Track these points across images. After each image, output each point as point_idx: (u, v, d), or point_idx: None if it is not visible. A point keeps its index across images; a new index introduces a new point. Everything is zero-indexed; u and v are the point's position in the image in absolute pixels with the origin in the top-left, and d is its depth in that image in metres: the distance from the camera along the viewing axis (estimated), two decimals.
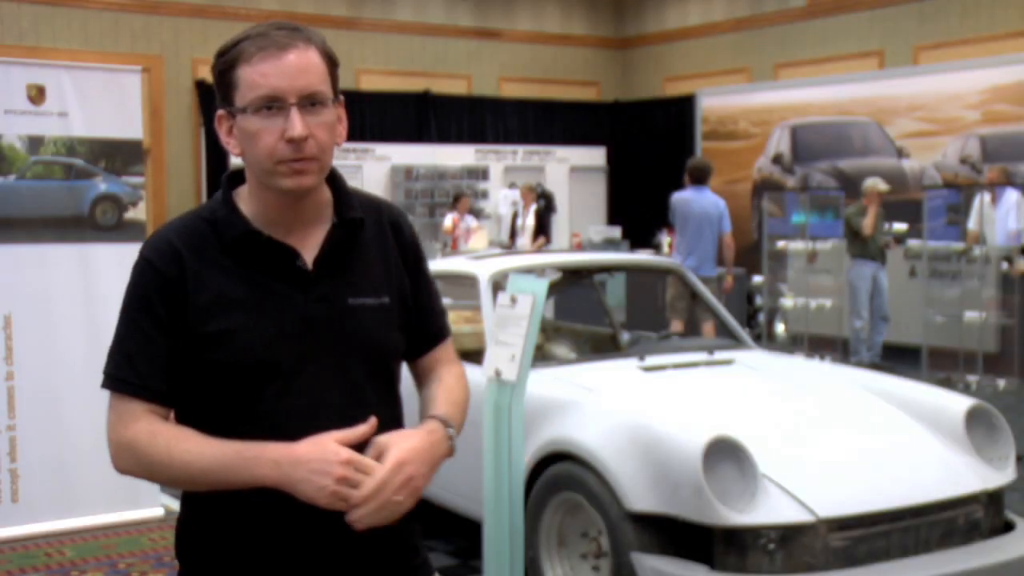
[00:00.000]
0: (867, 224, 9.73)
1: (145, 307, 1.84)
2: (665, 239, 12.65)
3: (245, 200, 1.90)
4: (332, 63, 1.85)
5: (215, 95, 1.87)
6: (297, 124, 1.77)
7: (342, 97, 1.88)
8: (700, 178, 9.30)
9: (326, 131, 1.82)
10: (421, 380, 2.07)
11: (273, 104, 1.78)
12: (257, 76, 1.78)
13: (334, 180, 1.94)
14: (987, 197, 9.62)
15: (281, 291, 1.84)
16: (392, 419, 1.92)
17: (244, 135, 1.82)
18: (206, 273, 1.83)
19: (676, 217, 9.24)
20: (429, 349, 2.05)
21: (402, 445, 1.77)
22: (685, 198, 9.25)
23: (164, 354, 1.82)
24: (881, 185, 9.90)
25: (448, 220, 13.59)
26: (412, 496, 1.77)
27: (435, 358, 2.05)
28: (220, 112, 1.86)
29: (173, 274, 1.83)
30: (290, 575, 1.86)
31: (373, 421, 1.78)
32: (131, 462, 1.82)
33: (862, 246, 9.84)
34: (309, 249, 1.87)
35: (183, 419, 1.86)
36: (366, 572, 1.91)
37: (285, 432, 1.77)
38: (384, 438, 1.78)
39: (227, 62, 1.82)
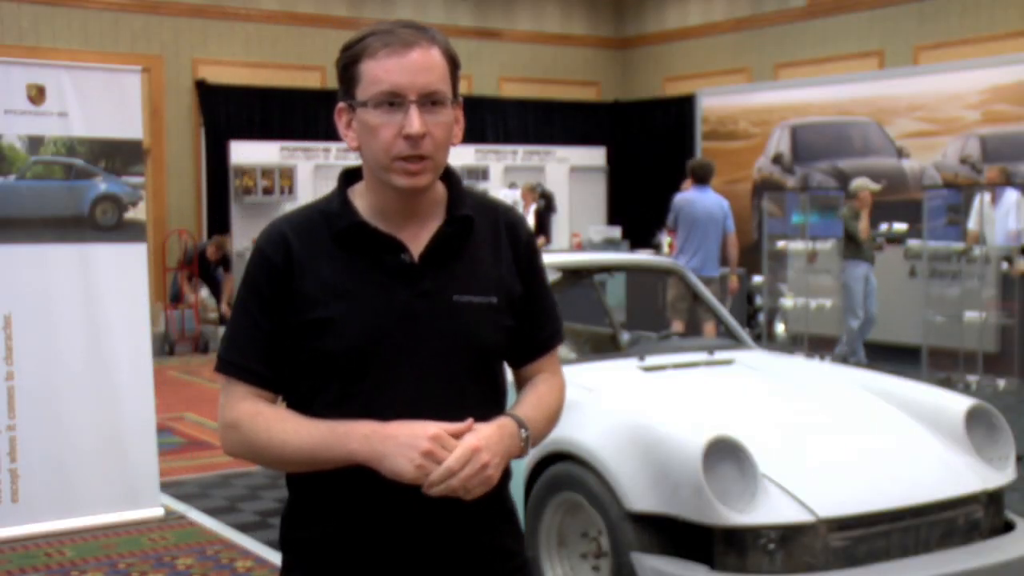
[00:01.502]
0: (863, 228, 9.75)
1: (254, 293, 1.89)
2: (665, 239, 12.63)
3: (360, 195, 1.93)
4: (454, 64, 1.89)
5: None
6: (415, 121, 1.80)
7: (461, 98, 1.91)
8: (703, 178, 9.30)
9: (443, 130, 1.85)
10: (521, 388, 2.07)
11: (394, 100, 1.81)
12: (380, 72, 1.82)
13: (450, 178, 1.96)
14: (987, 197, 9.62)
15: (385, 283, 1.87)
16: (494, 417, 1.91)
17: (363, 129, 1.85)
18: (313, 262, 1.87)
19: (680, 218, 9.21)
20: (535, 357, 2.04)
21: (476, 433, 1.80)
22: (689, 199, 9.24)
23: (269, 339, 1.87)
24: (871, 185, 9.91)
25: None
26: (484, 484, 1.79)
27: (538, 367, 2.05)
28: (340, 105, 1.90)
29: (281, 262, 1.87)
30: (384, 566, 1.88)
31: (470, 422, 1.80)
32: (235, 442, 1.88)
33: (856, 248, 9.88)
34: (419, 245, 1.89)
35: (292, 407, 1.91)
36: (458, 570, 1.91)
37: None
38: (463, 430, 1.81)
39: (351, 56, 1.86)
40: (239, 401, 1.87)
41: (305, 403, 1.88)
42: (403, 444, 1.74)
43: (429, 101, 1.82)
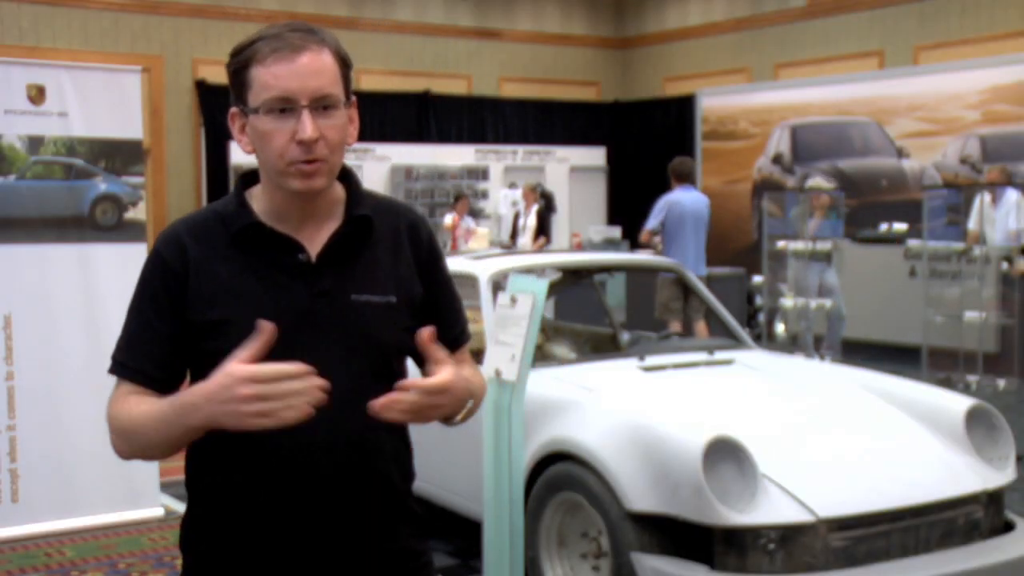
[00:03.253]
0: (810, 228, 9.74)
1: (149, 295, 1.88)
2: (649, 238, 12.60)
3: (257, 197, 1.93)
4: (345, 65, 1.87)
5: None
6: (308, 126, 1.79)
7: (354, 98, 1.90)
8: (686, 176, 9.35)
9: (337, 132, 1.84)
10: None
11: (285, 106, 1.80)
12: (270, 77, 1.80)
13: (348, 179, 1.96)
14: (987, 197, 9.62)
15: (283, 283, 1.86)
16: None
17: (256, 135, 1.84)
18: (209, 263, 1.86)
19: (669, 219, 9.20)
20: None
21: (454, 373, 1.80)
22: (678, 199, 9.24)
23: (163, 340, 1.86)
24: (824, 185, 9.94)
25: (448, 219, 13.59)
26: (425, 419, 1.80)
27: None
28: (233, 110, 1.89)
29: (177, 263, 1.86)
30: (286, 570, 1.87)
31: (271, 326, 1.71)
32: (114, 436, 1.86)
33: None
34: (317, 245, 1.89)
35: None
36: (366, 572, 1.92)
37: (284, 425, 1.76)
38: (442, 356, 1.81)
39: (241, 61, 1.84)
40: (120, 398, 1.85)
41: None
42: (223, 400, 1.66)
43: (321, 105, 1.81)
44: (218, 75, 14.32)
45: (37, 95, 5.34)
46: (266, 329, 1.69)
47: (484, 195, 16.16)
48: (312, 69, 1.80)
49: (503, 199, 15.61)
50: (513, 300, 3.86)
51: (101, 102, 5.49)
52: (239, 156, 13.47)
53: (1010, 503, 4.42)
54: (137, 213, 5.63)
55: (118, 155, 5.57)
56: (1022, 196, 9.77)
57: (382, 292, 1.91)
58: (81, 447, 5.38)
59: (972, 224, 9.46)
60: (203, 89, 14.22)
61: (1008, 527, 4.15)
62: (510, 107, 17.22)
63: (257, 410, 1.65)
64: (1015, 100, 11.07)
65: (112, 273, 5.48)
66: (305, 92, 1.79)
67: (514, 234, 13.98)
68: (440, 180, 15.90)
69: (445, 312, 2.04)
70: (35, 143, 5.36)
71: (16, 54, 10.81)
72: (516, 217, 14.09)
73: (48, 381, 5.36)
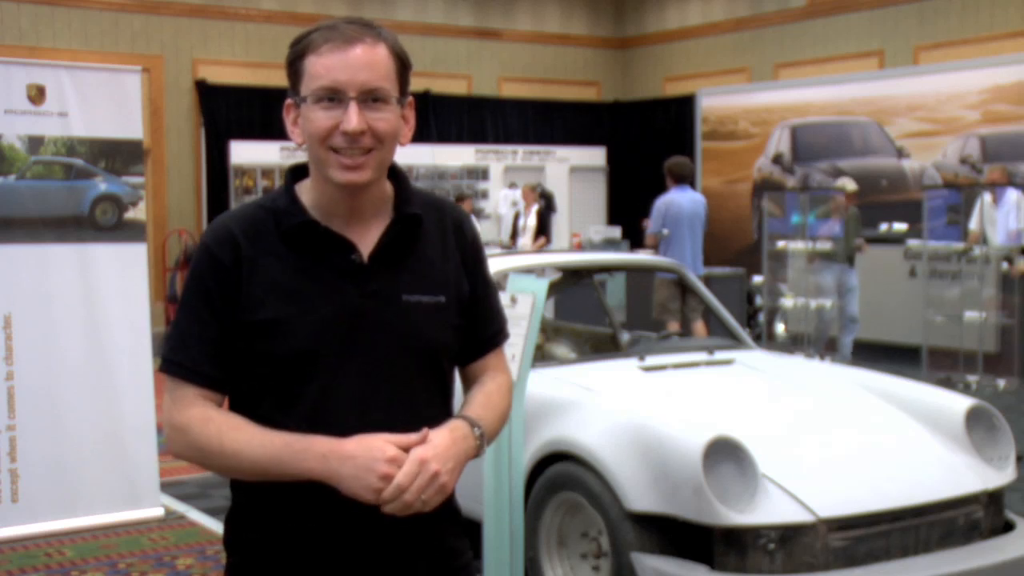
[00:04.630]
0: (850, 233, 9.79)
1: (201, 292, 1.85)
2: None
3: (307, 192, 1.90)
4: (403, 63, 1.86)
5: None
6: (353, 118, 1.78)
7: (411, 98, 1.88)
8: (684, 177, 9.35)
9: (386, 126, 1.82)
10: (467, 386, 2.05)
11: (333, 96, 1.80)
12: (321, 67, 1.80)
13: (397, 176, 1.94)
14: (988, 197, 9.62)
15: (334, 283, 1.84)
16: (443, 417, 1.90)
17: (304, 124, 1.84)
18: (261, 261, 1.84)
19: (667, 219, 9.19)
20: (480, 355, 2.03)
21: (425, 445, 1.76)
22: (675, 199, 9.24)
23: (218, 339, 1.83)
24: (849, 186, 9.94)
25: None
26: (440, 493, 1.76)
27: (484, 365, 2.03)
28: (288, 101, 1.88)
29: (228, 260, 1.83)
30: (333, 569, 1.86)
31: (425, 432, 1.76)
32: (184, 446, 1.83)
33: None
34: (367, 243, 1.87)
35: (235, 407, 1.87)
36: (407, 571, 1.91)
37: (330, 425, 1.77)
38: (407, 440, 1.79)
39: (296, 52, 1.85)
40: (188, 405, 1.82)
41: (251, 404, 1.85)
42: (361, 467, 1.71)
43: (370, 98, 1.80)
44: (218, 75, 14.32)
45: (37, 95, 5.34)
46: (422, 434, 1.75)
47: (484, 195, 16.16)
48: (364, 62, 1.80)
49: (503, 199, 15.61)
50: (513, 300, 3.86)
51: (101, 102, 5.49)
52: (239, 156, 13.48)
53: (1010, 503, 4.43)
54: (137, 213, 5.63)
55: (118, 155, 5.57)
56: (1022, 196, 9.78)
57: (432, 292, 1.90)
58: (81, 447, 5.38)
59: (973, 224, 9.46)
60: (203, 89, 14.21)
61: (1008, 527, 4.15)
62: (510, 107, 17.22)
63: (380, 490, 1.71)
64: (1015, 100, 11.06)
65: (112, 273, 5.49)
66: (354, 84, 1.79)
67: (514, 234, 13.98)
68: (440, 180, 15.90)
69: (486, 311, 2.03)
70: (35, 143, 5.35)
71: (16, 54, 10.82)
72: (516, 217, 14.09)
73: (48, 381, 5.36)
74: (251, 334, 1.82)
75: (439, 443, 1.78)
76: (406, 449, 1.74)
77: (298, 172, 1.94)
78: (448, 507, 1.94)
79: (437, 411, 1.89)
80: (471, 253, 1.99)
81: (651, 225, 9.33)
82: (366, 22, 1.85)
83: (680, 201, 9.20)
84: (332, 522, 1.84)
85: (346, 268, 1.84)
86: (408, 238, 1.90)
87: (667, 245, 9.20)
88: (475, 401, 1.96)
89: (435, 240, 1.94)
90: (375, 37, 1.83)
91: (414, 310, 1.87)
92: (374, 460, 1.70)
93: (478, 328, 2.01)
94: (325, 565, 1.86)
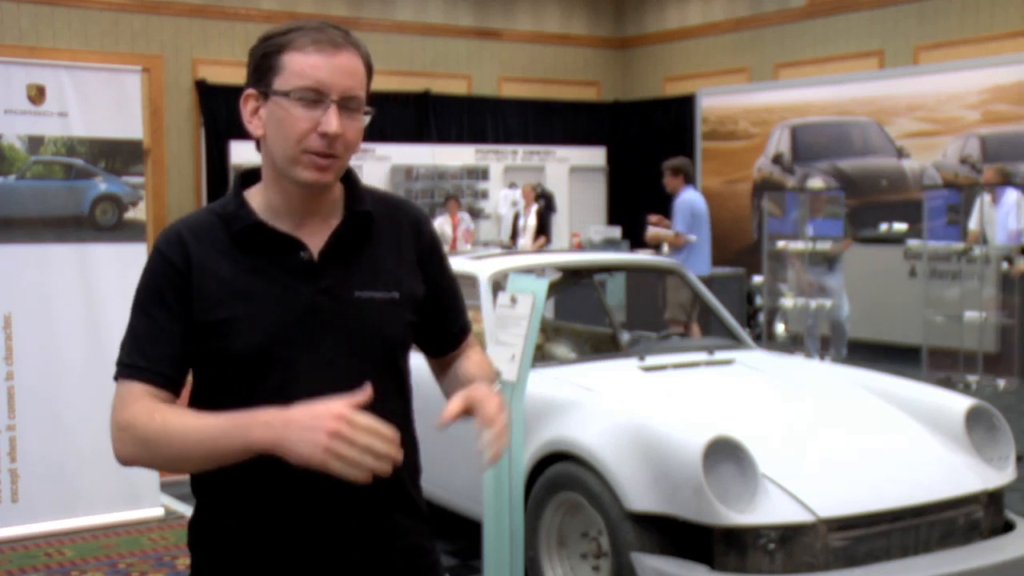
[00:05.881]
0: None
1: (155, 295, 1.87)
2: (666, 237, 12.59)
3: (257, 196, 1.93)
4: (370, 74, 1.90)
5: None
6: (333, 121, 1.81)
7: (371, 109, 1.91)
8: (692, 176, 9.37)
9: (355, 134, 1.86)
10: (444, 371, 2.12)
11: (316, 97, 1.82)
12: (307, 66, 1.82)
13: (348, 176, 1.96)
14: (987, 197, 9.62)
15: (285, 282, 1.86)
16: (402, 413, 1.94)
17: (275, 119, 1.84)
18: (212, 263, 1.86)
19: (696, 219, 9.12)
20: (455, 347, 2.11)
21: (496, 400, 1.85)
22: (696, 201, 9.20)
23: (173, 340, 1.84)
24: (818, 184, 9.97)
25: (438, 222, 13.56)
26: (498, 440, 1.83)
27: (459, 351, 2.12)
28: (250, 92, 1.88)
29: (180, 263, 1.86)
30: (298, 569, 1.87)
31: (369, 389, 1.73)
32: (129, 443, 1.80)
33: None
34: (318, 242, 1.89)
35: (194, 407, 1.86)
36: (374, 569, 1.92)
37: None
38: (474, 394, 1.84)
39: (274, 46, 1.85)
40: (132, 402, 1.80)
41: (207, 404, 1.83)
42: (307, 427, 1.66)
43: (348, 105, 1.83)
44: (218, 75, 14.32)
45: (37, 95, 5.35)
46: (366, 391, 1.71)
47: (484, 195, 16.16)
48: (348, 68, 1.84)
49: (503, 199, 15.62)
50: (513, 300, 3.86)
51: (101, 102, 5.49)
52: (239, 156, 13.48)
53: (1010, 503, 4.43)
54: (137, 213, 5.63)
55: (118, 155, 5.57)
56: (1022, 196, 9.78)
57: (384, 288, 1.92)
58: (81, 447, 5.38)
59: (973, 224, 9.46)
60: (203, 89, 14.22)
61: (1008, 527, 4.15)
62: (510, 107, 17.23)
63: (335, 448, 1.64)
64: (1015, 100, 11.06)
65: (112, 273, 5.49)
66: (338, 88, 1.82)
67: (514, 234, 13.98)
68: (440, 180, 15.91)
69: (447, 308, 2.07)
70: (35, 143, 5.36)
71: (16, 54, 10.82)
72: (516, 217, 14.09)
73: (48, 381, 5.36)
74: (205, 334, 1.84)
75: (486, 394, 1.86)
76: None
77: (247, 177, 1.97)
78: (412, 505, 1.97)
79: (395, 405, 1.92)
80: (428, 251, 2.02)
81: (676, 224, 9.25)
82: (344, 30, 1.89)
83: (700, 202, 9.20)
84: (293, 519, 1.85)
85: (297, 267, 1.87)
86: (359, 236, 1.93)
87: (691, 246, 9.19)
88: (469, 371, 2.06)
89: (388, 238, 1.96)
90: (354, 46, 1.87)
91: (367, 306, 1.89)
92: (318, 418, 1.67)
93: (447, 322, 2.08)
94: (287, 562, 1.87)
